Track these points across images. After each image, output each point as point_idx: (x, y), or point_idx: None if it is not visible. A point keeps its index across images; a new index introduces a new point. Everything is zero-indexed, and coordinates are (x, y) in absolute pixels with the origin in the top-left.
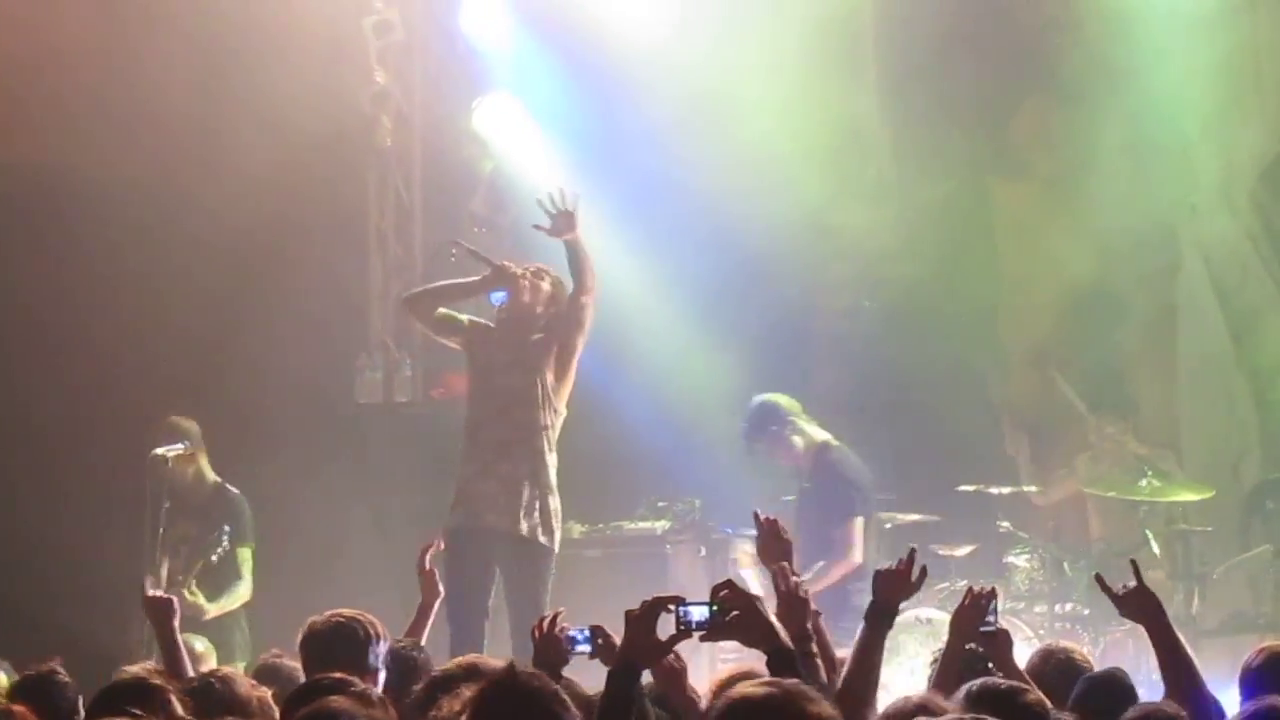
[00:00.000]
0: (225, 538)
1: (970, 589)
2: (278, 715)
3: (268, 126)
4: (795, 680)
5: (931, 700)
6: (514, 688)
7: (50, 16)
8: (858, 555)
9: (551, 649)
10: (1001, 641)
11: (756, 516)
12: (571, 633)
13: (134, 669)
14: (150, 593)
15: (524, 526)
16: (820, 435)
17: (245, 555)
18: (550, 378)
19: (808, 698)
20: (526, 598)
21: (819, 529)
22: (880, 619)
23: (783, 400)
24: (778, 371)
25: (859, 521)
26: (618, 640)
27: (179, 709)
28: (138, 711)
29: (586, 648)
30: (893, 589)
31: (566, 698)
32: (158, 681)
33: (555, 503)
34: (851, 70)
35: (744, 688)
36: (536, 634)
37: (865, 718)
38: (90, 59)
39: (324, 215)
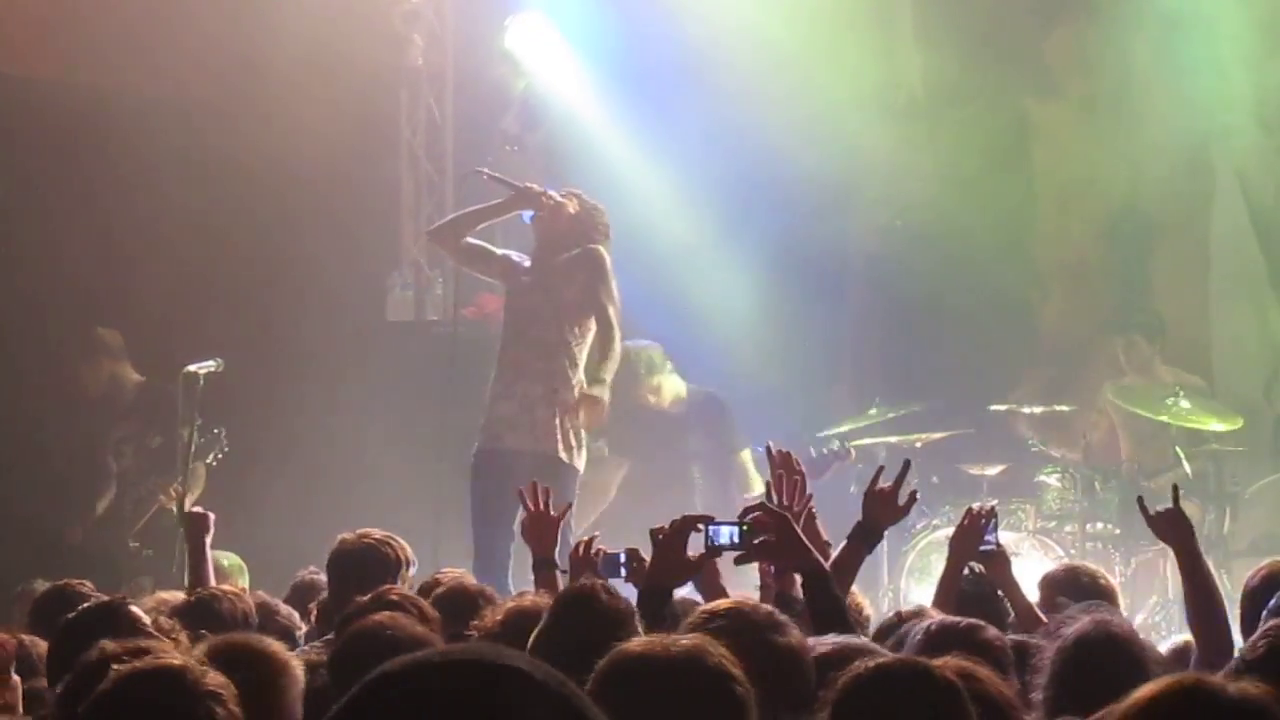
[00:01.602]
0: (223, 437)
1: (969, 509)
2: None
3: (301, 47)
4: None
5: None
6: (589, 602)
7: None
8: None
9: (585, 573)
10: (1000, 561)
11: (769, 450)
12: (607, 556)
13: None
14: (191, 508)
15: (543, 445)
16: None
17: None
18: (569, 296)
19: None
20: None
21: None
22: (866, 538)
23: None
24: (810, 288)
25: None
26: None
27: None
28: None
29: (621, 572)
30: (882, 511)
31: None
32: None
33: (577, 421)
34: None
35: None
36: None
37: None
38: None
39: (356, 134)
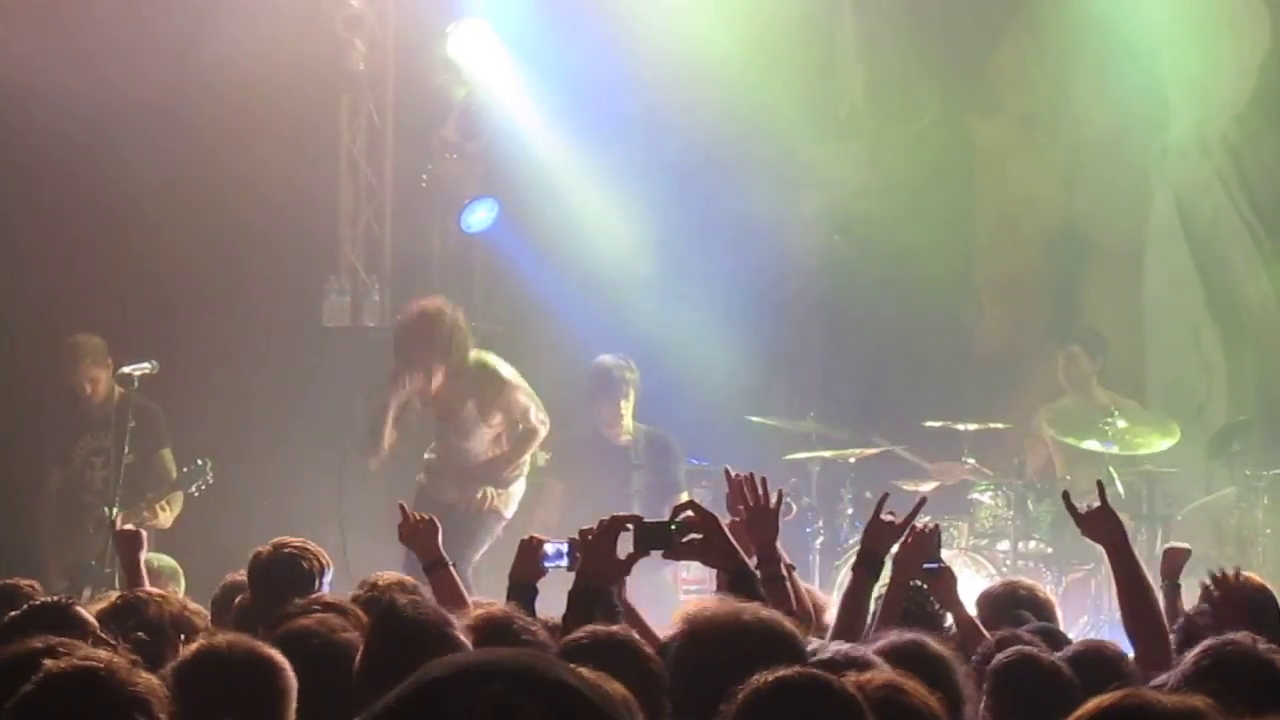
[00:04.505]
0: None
1: (913, 527)
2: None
3: (240, 48)
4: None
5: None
6: (401, 621)
7: None
8: None
9: (526, 562)
10: (946, 579)
11: (728, 474)
12: (547, 546)
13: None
14: (120, 526)
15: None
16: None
17: (169, 457)
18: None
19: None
20: None
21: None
22: (868, 567)
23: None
24: (747, 306)
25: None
26: None
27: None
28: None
29: (563, 561)
30: (882, 539)
31: (454, 621)
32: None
33: None
34: (828, 6)
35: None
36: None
37: None
38: None
39: (295, 139)
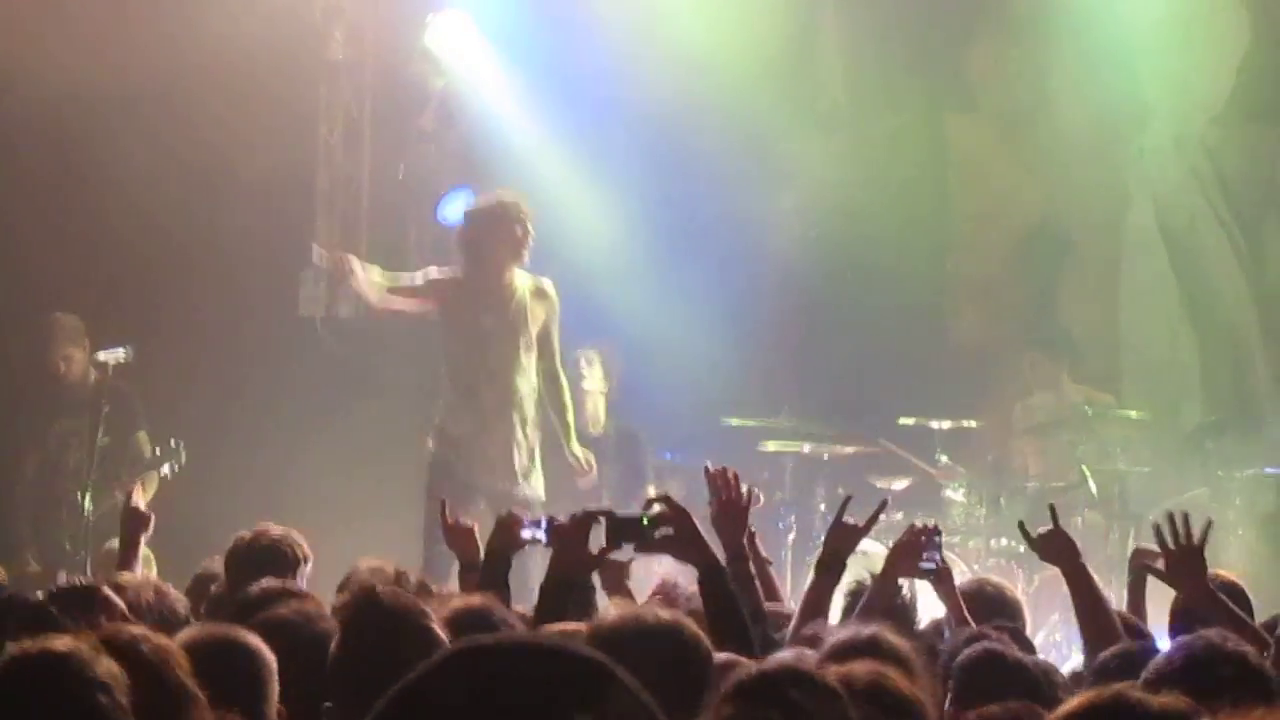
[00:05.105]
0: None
1: (912, 525)
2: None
3: (219, 37)
4: None
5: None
6: (377, 607)
7: None
8: None
9: (504, 534)
10: (944, 579)
11: (707, 471)
12: (526, 520)
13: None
14: (135, 503)
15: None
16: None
17: (144, 439)
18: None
19: None
20: None
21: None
22: (830, 569)
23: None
24: (723, 299)
25: None
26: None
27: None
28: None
29: (542, 536)
30: (845, 541)
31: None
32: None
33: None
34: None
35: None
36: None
37: None
38: None
39: (272, 127)
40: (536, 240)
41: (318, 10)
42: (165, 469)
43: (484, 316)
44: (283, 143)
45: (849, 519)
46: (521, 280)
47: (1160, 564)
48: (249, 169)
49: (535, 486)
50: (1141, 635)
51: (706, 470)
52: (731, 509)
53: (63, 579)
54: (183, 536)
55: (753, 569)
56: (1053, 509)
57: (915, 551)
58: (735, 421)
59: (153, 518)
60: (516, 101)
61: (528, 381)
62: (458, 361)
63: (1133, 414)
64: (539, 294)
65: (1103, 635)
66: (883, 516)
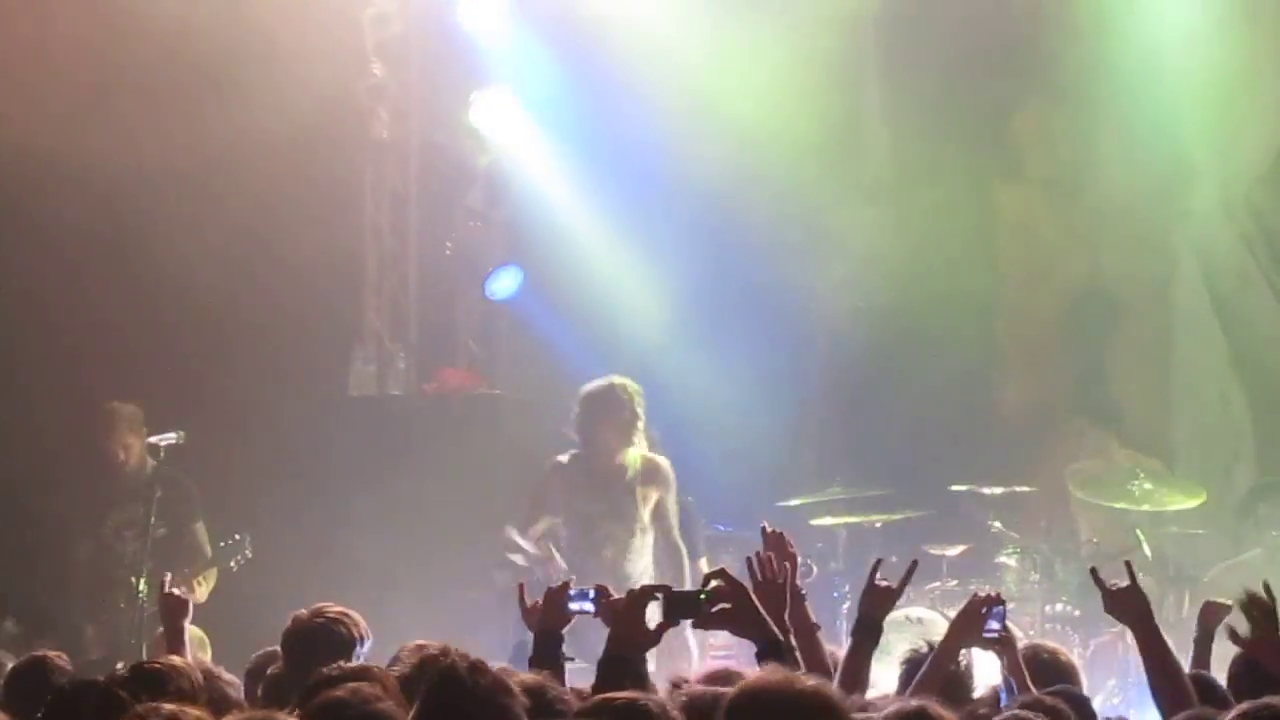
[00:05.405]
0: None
1: (975, 593)
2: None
3: (264, 119)
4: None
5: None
6: (458, 682)
7: (42, 15)
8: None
9: (553, 608)
10: (1008, 647)
11: (764, 530)
12: (573, 592)
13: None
14: (170, 590)
15: None
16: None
17: (202, 531)
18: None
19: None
20: None
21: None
22: (867, 633)
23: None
24: (776, 372)
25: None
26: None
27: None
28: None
29: (590, 606)
30: (879, 604)
31: (513, 686)
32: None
33: None
34: (853, 71)
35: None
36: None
37: None
38: (84, 56)
39: (319, 207)
40: (584, 315)
41: (362, 90)
42: (231, 563)
43: (594, 501)
44: (330, 223)
45: (882, 581)
46: (634, 460)
47: (1242, 629)
48: (296, 251)
49: None
50: (1214, 692)
51: (763, 530)
52: (769, 588)
53: (121, 667)
54: (239, 617)
55: (793, 640)
56: (1129, 564)
57: (979, 620)
58: (791, 503)
59: (190, 602)
60: (563, 177)
61: (639, 562)
62: (570, 544)
63: (1185, 501)
64: (651, 473)
65: (1178, 698)
66: (937, 583)
